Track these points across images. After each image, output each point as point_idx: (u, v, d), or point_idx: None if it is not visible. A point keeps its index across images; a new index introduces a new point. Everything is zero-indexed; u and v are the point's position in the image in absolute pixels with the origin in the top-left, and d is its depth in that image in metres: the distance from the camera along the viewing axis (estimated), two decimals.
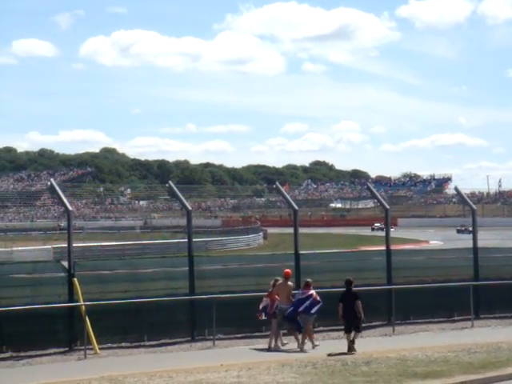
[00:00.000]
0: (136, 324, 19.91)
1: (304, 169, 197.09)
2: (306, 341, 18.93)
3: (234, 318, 20.73)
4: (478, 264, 24.07)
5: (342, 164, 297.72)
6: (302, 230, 23.51)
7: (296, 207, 22.65)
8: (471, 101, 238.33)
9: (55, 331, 18.90)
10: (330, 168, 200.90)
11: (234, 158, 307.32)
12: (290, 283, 19.56)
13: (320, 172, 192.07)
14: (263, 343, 19.71)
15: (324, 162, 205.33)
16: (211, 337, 19.89)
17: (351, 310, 18.25)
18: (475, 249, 24.36)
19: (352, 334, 18.19)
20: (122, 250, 55.92)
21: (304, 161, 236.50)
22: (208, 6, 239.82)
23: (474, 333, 21.44)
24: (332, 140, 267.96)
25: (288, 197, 23.37)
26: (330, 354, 17.38)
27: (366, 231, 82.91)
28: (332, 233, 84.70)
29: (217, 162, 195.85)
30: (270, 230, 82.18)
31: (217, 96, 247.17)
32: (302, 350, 18.66)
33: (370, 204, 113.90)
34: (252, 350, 19.02)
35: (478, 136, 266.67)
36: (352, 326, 18.23)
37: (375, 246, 38.48)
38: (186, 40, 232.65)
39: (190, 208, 21.26)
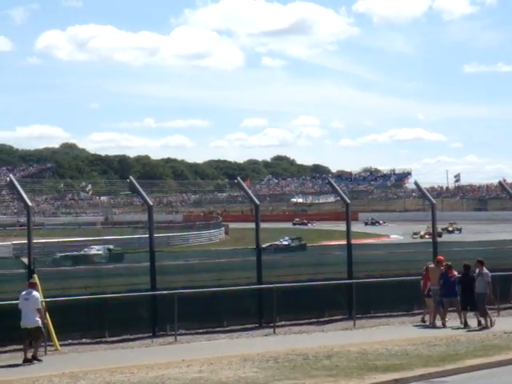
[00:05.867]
0: (97, 320, 19.79)
1: (265, 164, 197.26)
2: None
3: (196, 313, 20.72)
4: None
5: (303, 159, 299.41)
6: (263, 225, 23.56)
7: (257, 202, 22.67)
8: (428, 96, 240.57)
9: (15, 328, 18.68)
10: (291, 163, 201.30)
11: (194, 153, 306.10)
12: (441, 268, 21.35)
13: (281, 167, 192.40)
14: (224, 338, 19.74)
15: (285, 156, 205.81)
16: (173, 332, 19.82)
17: (467, 291, 20.89)
18: (435, 242, 24.59)
19: (467, 313, 21.03)
20: (83, 246, 55.43)
21: (264, 156, 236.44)
22: (164, 1, 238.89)
23: None
24: (292, 135, 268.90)
25: (249, 192, 23.35)
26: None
27: (327, 226, 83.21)
28: (293, 228, 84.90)
29: (177, 157, 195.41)
30: (232, 225, 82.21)
31: (175, 91, 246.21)
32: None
33: (331, 199, 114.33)
34: (214, 344, 19.01)
35: (435, 131, 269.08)
36: (467, 304, 20.93)
37: (336, 241, 38.62)
38: (142, 35, 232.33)
39: (151, 203, 21.16)
